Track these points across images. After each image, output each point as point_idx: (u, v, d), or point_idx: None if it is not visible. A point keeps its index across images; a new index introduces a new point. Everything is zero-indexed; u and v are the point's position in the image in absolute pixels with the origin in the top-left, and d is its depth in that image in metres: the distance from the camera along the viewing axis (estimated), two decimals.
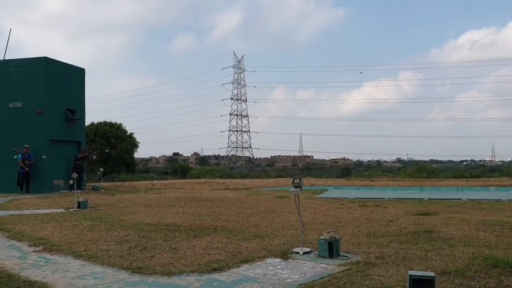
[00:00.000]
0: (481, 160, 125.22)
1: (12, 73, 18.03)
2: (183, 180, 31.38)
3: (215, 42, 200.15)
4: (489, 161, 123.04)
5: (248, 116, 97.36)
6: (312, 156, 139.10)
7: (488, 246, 6.21)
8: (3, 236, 7.56)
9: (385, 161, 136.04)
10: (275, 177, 36.17)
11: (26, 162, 16.94)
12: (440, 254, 5.71)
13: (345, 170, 59.23)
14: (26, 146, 17.00)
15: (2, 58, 18.42)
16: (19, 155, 16.94)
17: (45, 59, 18.03)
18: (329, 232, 5.78)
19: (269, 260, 5.57)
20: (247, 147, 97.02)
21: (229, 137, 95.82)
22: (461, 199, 13.64)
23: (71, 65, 19.70)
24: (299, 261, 5.51)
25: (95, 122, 38.43)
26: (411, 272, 4.02)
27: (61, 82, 18.48)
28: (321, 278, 4.71)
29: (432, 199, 13.82)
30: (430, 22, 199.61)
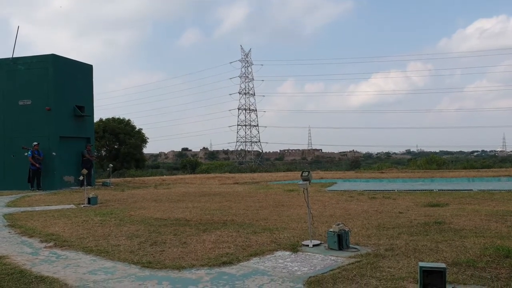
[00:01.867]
0: (492, 151, 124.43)
1: (21, 71, 18.15)
2: (192, 175, 31.48)
3: (222, 36, 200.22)
4: (500, 151, 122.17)
5: (256, 110, 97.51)
6: (321, 149, 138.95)
7: (499, 236, 6.15)
8: (15, 232, 7.64)
9: (395, 153, 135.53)
10: (284, 171, 36.17)
11: (36, 157, 17.07)
12: (451, 245, 5.67)
13: (355, 162, 59.09)
14: (36, 143, 17.12)
15: (11, 56, 18.54)
16: (29, 152, 17.07)
17: (53, 56, 18.12)
18: (338, 225, 5.77)
19: (278, 253, 5.57)
20: (256, 141, 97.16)
21: (237, 132, 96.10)
22: (472, 190, 13.54)
23: (79, 61, 19.77)
24: (309, 253, 5.51)
25: (104, 118, 38.61)
26: (421, 264, 3.99)
27: (69, 79, 18.56)
28: (331, 270, 4.70)
29: (442, 190, 13.73)
30: (439, 11, 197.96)
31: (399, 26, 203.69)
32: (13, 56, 18.50)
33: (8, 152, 18.01)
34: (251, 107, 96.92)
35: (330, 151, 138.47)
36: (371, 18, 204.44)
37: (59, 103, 17.94)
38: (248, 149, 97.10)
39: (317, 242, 5.95)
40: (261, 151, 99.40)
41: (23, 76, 18.09)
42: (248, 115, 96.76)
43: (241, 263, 5.12)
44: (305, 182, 5.96)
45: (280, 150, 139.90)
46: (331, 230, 5.71)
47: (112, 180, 22.05)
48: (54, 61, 18.02)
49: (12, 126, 17.99)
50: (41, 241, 6.73)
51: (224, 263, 5.09)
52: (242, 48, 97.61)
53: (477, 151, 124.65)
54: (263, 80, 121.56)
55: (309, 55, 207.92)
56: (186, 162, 57.46)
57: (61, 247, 6.29)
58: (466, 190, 13.59)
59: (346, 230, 5.74)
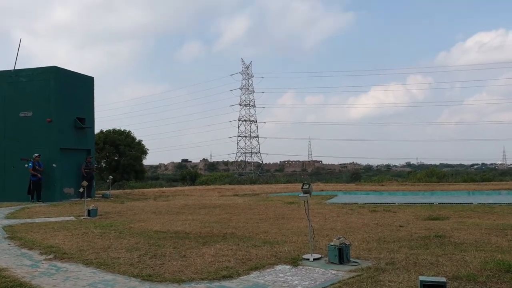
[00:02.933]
0: (492, 164, 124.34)
1: (23, 83, 18.24)
2: (192, 187, 31.43)
3: (224, 48, 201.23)
4: (500, 164, 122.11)
5: (256, 122, 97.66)
6: (321, 161, 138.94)
7: (500, 250, 6.14)
8: (14, 244, 7.62)
9: (395, 166, 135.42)
10: (284, 183, 36.14)
11: (37, 168, 17.06)
12: (451, 259, 5.66)
13: (355, 175, 59.04)
14: (37, 155, 17.13)
15: (13, 68, 18.64)
16: (29, 164, 17.07)
17: (55, 68, 18.22)
18: (339, 238, 5.76)
19: (279, 267, 5.55)
20: (256, 153, 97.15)
21: (238, 143, 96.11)
22: (472, 203, 13.52)
23: (80, 73, 19.88)
24: (309, 267, 5.49)
25: (104, 130, 38.71)
26: (422, 278, 3.99)
27: (70, 90, 18.64)
28: (332, 284, 4.69)
29: (442, 203, 13.71)
30: (438, 25, 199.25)
31: (399, 39, 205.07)
32: (15, 68, 18.59)
33: (9, 163, 18.02)
34: (252, 119, 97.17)
35: (330, 163, 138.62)
36: (371, 32, 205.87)
37: (60, 114, 17.99)
38: (248, 160, 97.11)
39: (318, 255, 5.94)
40: (261, 162, 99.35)
41: (24, 88, 18.18)
42: (249, 126, 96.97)
43: (241, 277, 5.11)
44: (305, 195, 5.96)
45: (280, 162, 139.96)
46: (332, 243, 5.70)
47: (112, 192, 22.03)
48: (55, 73, 18.11)
49: (13, 137, 18.02)
50: (41, 253, 6.71)
51: (224, 277, 5.08)
52: (243, 61, 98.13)
53: (477, 164, 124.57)
54: (263, 92, 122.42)
55: (309, 67, 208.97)
56: (185, 173, 57.34)
57: (61, 259, 6.27)
58: (466, 203, 13.57)
59: (347, 243, 5.73)
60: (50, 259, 6.30)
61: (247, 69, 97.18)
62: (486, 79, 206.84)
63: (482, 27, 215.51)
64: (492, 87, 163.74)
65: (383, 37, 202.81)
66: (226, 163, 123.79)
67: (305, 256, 5.94)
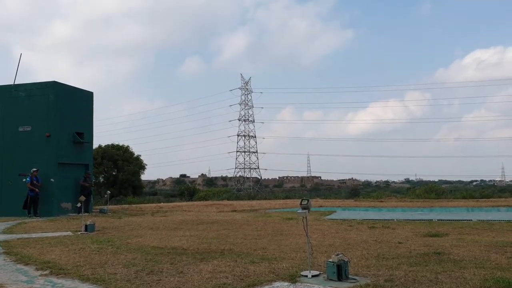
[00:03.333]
0: (491, 180, 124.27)
1: (22, 97, 18.29)
2: (190, 202, 31.31)
3: (223, 64, 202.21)
4: (499, 181, 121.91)
5: (255, 137, 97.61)
6: (320, 177, 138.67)
7: (499, 268, 6.10)
8: (10, 259, 7.55)
9: (394, 182, 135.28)
10: (283, 198, 36.03)
11: (35, 183, 17.01)
12: (450, 276, 5.62)
13: (354, 190, 58.92)
14: (35, 169, 17.09)
15: (13, 83, 18.70)
16: (27, 178, 17.02)
17: (54, 83, 18.28)
18: (337, 255, 5.72)
19: (277, 284, 5.50)
20: (254, 168, 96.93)
21: (236, 158, 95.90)
22: (471, 220, 13.47)
23: (80, 88, 19.95)
24: (308, 284, 5.45)
25: (103, 145, 38.69)
26: None
27: (69, 105, 18.68)
28: None
29: (441, 220, 13.67)
30: (436, 42, 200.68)
31: (397, 56, 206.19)
32: (15, 83, 18.65)
33: (6, 177, 17.97)
34: (250, 134, 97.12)
35: (329, 179, 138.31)
36: (370, 48, 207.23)
37: (59, 129, 18.00)
38: (247, 176, 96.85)
39: (316, 272, 5.89)
40: (260, 177, 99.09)
41: (24, 102, 18.22)
42: (247, 142, 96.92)
43: None
44: (304, 211, 5.94)
45: (279, 177, 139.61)
46: (330, 260, 5.66)
47: (110, 207, 21.92)
48: (54, 88, 18.17)
49: (12, 152, 18.01)
50: (37, 269, 6.66)
51: None
52: (242, 76, 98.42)
53: (476, 181, 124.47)
54: (262, 108, 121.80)
55: (308, 83, 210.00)
56: (184, 189, 57.20)
57: (57, 275, 6.21)
58: (465, 220, 13.52)
59: (346, 260, 5.69)
60: (46, 275, 6.25)
61: (247, 85, 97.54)
62: (485, 95, 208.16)
63: (480, 45, 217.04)
64: (490, 104, 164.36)
65: (381, 54, 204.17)
66: (224, 178, 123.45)
67: (304, 273, 5.89)
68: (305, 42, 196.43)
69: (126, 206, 26.27)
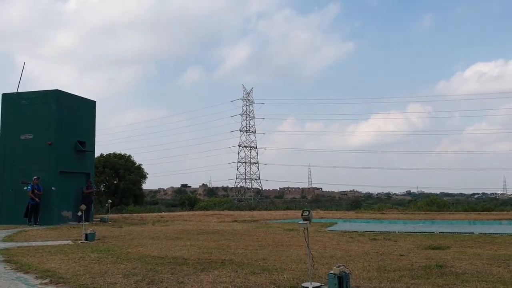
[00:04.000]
0: (492, 193, 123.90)
1: (24, 106, 18.34)
2: (191, 212, 31.23)
3: (225, 75, 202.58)
4: (501, 194, 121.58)
5: (256, 148, 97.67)
6: (321, 188, 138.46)
7: (502, 282, 6.06)
8: (10, 268, 7.53)
9: (395, 194, 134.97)
10: (284, 209, 35.88)
11: (36, 192, 16.99)
12: None
13: (355, 202, 58.73)
14: (37, 177, 17.09)
15: (16, 91, 18.77)
16: (28, 187, 17.01)
17: (57, 92, 18.34)
18: (339, 266, 5.69)
19: None
20: (255, 179, 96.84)
21: (237, 169, 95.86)
22: (473, 233, 13.41)
23: (82, 97, 20.01)
24: None
25: (104, 153, 38.72)
26: None
27: (72, 114, 18.73)
28: None
29: (443, 233, 13.60)
30: (438, 54, 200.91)
31: (399, 68, 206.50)
32: (18, 91, 18.72)
33: (7, 186, 17.96)
34: (252, 145, 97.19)
35: (330, 190, 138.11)
36: (371, 60, 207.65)
37: (61, 138, 18.02)
38: (248, 186, 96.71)
39: (317, 284, 5.86)
40: (260, 188, 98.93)
41: (26, 110, 18.27)
42: (249, 152, 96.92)
43: None
44: (305, 222, 5.92)
45: (280, 188, 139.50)
46: (332, 272, 5.63)
47: (110, 216, 21.87)
48: (57, 96, 18.23)
49: (13, 160, 18.02)
50: (37, 277, 6.64)
51: None
52: (244, 87, 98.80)
53: (477, 194, 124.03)
54: (263, 118, 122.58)
55: (309, 94, 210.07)
56: (185, 198, 57.14)
57: (57, 283, 6.19)
58: (467, 233, 13.45)
59: (347, 272, 5.66)
60: (45, 284, 6.22)
61: (248, 95, 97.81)
62: (486, 108, 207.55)
63: (482, 57, 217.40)
64: (491, 117, 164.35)
65: (382, 66, 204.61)
66: (225, 188, 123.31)
67: (304, 284, 5.86)
68: (306, 54, 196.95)
69: (127, 215, 26.22)
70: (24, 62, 34.94)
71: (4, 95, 18.76)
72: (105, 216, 20.42)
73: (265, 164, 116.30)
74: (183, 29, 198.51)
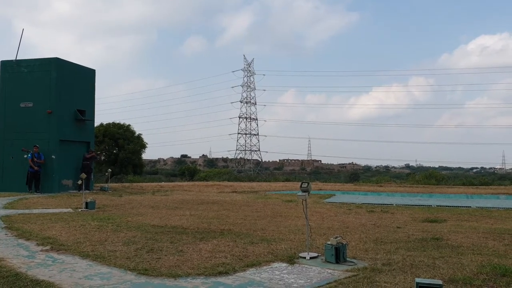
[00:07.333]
0: (491, 168, 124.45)
1: (24, 73, 18.19)
2: (190, 183, 31.43)
3: (226, 44, 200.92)
4: (499, 168, 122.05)
5: (257, 119, 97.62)
6: (321, 161, 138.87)
7: (497, 255, 6.14)
8: (11, 234, 7.61)
9: (394, 167, 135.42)
10: (283, 181, 36.15)
11: (36, 161, 17.03)
12: (448, 262, 5.66)
13: (353, 175, 59.08)
14: (36, 146, 17.11)
15: (14, 58, 18.59)
16: (29, 155, 17.05)
17: (56, 60, 18.16)
18: (336, 237, 5.75)
19: (275, 265, 5.55)
20: (255, 150, 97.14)
21: (237, 140, 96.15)
22: (470, 207, 13.52)
23: (82, 66, 19.83)
24: (306, 266, 5.49)
25: (104, 123, 38.62)
26: (418, 280, 3.99)
27: (71, 82, 18.60)
28: (327, 283, 4.69)
29: (440, 206, 13.72)
30: (441, 27, 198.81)
31: (402, 40, 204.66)
32: (16, 59, 18.54)
33: (8, 154, 17.99)
34: (252, 116, 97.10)
35: (329, 163, 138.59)
36: (374, 32, 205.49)
37: (61, 106, 17.94)
38: (248, 158, 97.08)
39: (315, 254, 5.94)
40: (260, 160, 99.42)
41: (25, 78, 18.12)
42: (249, 124, 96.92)
43: (237, 274, 5.10)
44: (304, 193, 5.96)
45: (279, 160, 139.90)
46: (329, 243, 5.70)
47: (110, 185, 22.02)
48: (57, 64, 18.05)
49: (13, 128, 17.98)
50: (38, 244, 6.71)
51: (220, 273, 5.08)
52: (245, 58, 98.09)
53: (476, 168, 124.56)
54: (264, 90, 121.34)
55: (311, 66, 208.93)
56: (184, 169, 57.42)
57: (58, 251, 6.27)
58: (464, 206, 13.57)
59: (344, 243, 5.73)
60: (46, 250, 6.30)
61: (249, 66, 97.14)
62: (487, 83, 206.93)
63: (486, 30, 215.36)
64: (493, 91, 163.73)
65: (385, 38, 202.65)
66: (225, 159, 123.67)
67: (302, 255, 5.94)
68: (309, 24, 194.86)
69: (127, 184, 26.39)
70: (23, 29, 34.47)
71: (3, 62, 18.57)
72: (105, 185, 20.55)
73: (265, 135, 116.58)
74: None
